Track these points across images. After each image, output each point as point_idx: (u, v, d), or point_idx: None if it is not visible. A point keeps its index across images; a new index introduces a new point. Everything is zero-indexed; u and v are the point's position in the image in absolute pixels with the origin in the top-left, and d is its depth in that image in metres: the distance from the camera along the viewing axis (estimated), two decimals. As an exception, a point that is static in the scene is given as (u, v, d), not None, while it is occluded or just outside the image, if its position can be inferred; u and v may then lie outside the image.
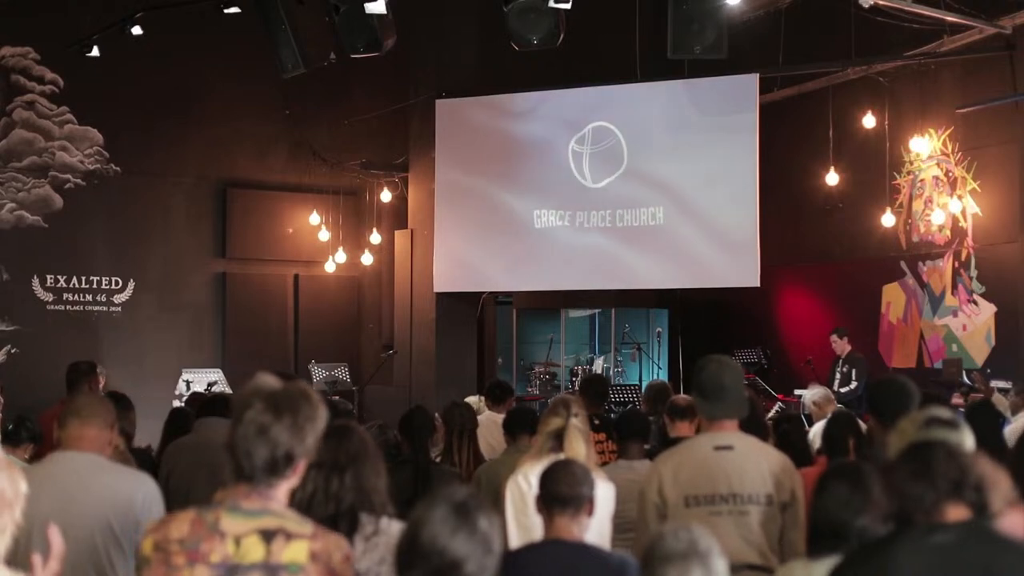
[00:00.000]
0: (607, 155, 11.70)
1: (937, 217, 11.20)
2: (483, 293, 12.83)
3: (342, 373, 12.56)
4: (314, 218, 13.50)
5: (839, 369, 10.75)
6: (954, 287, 11.17)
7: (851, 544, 2.95)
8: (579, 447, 4.24)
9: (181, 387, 11.25)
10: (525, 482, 4.27)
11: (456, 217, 12.41)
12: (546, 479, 3.47)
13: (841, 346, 10.86)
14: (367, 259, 13.80)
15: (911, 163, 11.62)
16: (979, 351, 10.82)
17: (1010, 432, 6.28)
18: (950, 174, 11.20)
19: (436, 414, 6.26)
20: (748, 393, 4.32)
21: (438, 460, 5.64)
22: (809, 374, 11.10)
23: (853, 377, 10.56)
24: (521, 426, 5.37)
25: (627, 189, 11.62)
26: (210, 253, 13.28)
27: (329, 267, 13.63)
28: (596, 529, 3.82)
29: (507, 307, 13.79)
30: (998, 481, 2.59)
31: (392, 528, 3.12)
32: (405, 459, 5.09)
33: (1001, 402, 7.95)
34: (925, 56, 10.57)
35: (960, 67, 10.94)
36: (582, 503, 3.41)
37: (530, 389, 13.05)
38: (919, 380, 5.05)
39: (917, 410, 3.42)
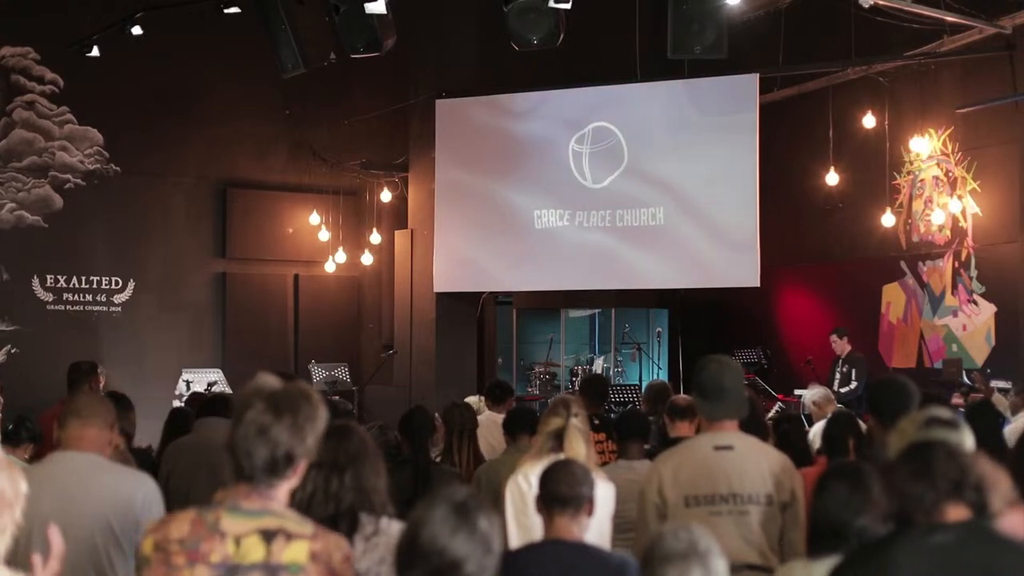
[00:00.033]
0: (607, 155, 11.70)
1: (937, 217, 11.20)
2: (483, 293, 12.83)
3: (342, 373, 12.56)
4: (314, 218, 13.50)
5: (839, 369, 10.75)
6: (954, 287, 11.17)
7: (851, 544, 2.95)
8: (579, 447, 4.24)
9: (181, 387, 11.26)
10: (525, 482, 4.27)
11: (456, 217, 12.41)
12: (546, 479, 3.47)
13: (841, 346, 10.86)
14: (367, 259, 13.80)
15: (911, 163, 11.62)
16: (979, 351, 10.82)
17: (1010, 432, 6.28)
18: (950, 174, 11.20)
19: (436, 414, 6.26)
20: (748, 393, 4.32)
21: (438, 460, 5.64)
22: (809, 374, 11.10)
23: (853, 377, 10.56)
24: (521, 426, 5.37)
25: (627, 189, 11.62)
26: (210, 253, 13.28)
27: (329, 267, 13.63)
28: (596, 529, 3.83)
29: (507, 307, 13.79)
30: (998, 481, 2.59)
31: (392, 528, 3.12)
32: (405, 459, 5.09)
33: (1001, 402, 7.95)
34: (925, 56, 10.57)
35: (960, 67, 10.94)
36: (582, 503, 3.41)
37: (530, 389, 13.05)
38: (919, 380, 5.05)
39: (917, 410, 3.42)
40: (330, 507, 3.15)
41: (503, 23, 8.43)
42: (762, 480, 3.81)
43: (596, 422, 6.08)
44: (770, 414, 8.89)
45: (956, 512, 2.46)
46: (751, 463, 3.84)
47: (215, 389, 10.62)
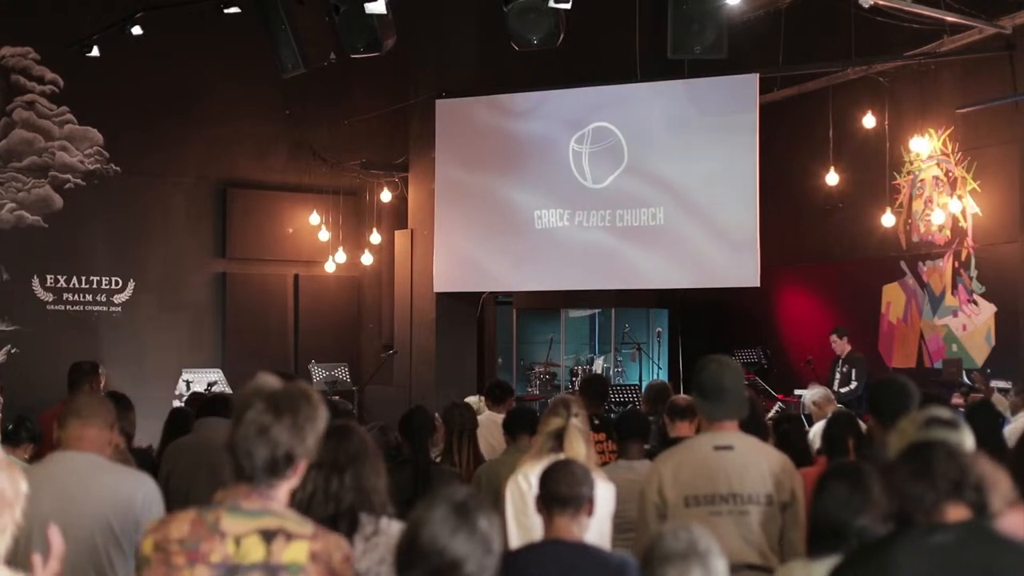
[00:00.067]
0: (607, 155, 11.70)
1: (937, 217, 11.20)
2: (483, 293, 12.83)
3: (342, 373, 12.56)
4: (314, 218, 13.50)
5: (839, 369, 10.75)
6: (954, 287, 11.17)
7: (851, 544, 2.95)
8: (579, 447, 4.24)
9: (181, 387, 11.26)
10: (525, 482, 4.27)
11: (456, 217, 12.41)
12: (546, 479, 3.47)
13: (841, 346, 10.86)
14: (367, 259, 13.80)
15: (911, 163, 11.62)
16: (979, 351, 10.82)
17: (1010, 432, 6.28)
18: (950, 174, 11.20)
19: (436, 414, 6.26)
20: (748, 393, 4.32)
21: (438, 460, 5.64)
22: (809, 374, 11.10)
23: (853, 377, 10.56)
24: (521, 426, 5.37)
25: (627, 189, 11.62)
26: (210, 253, 13.28)
27: (329, 267, 13.63)
28: (596, 529, 3.82)
29: (507, 307, 13.79)
30: (998, 481, 2.59)
31: (392, 528, 3.12)
32: (405, 459, 5.09)
33: (1001, 402, 7.95)
34: (925, 56, 10.57)
35: (960, 67, 10.94)
36: (582, 503, 3.41)
37: (530, 389, 13.05)
38: (919, 380, 5.05)
39: (917, 410, 3.42)
40: (330, 507, 3.15)
41: (503, 23, 8.43)
42: (762, 480, 3.81)
43: (596, 422, 6.08)
44: (770, 414, 8.89)
45: (956, 512, 2.46)
46: (751, 463, 3.84)
47: (215, 389, 10.62)
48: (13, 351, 11.95)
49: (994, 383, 9.31)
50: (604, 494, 3.98)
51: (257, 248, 13.48)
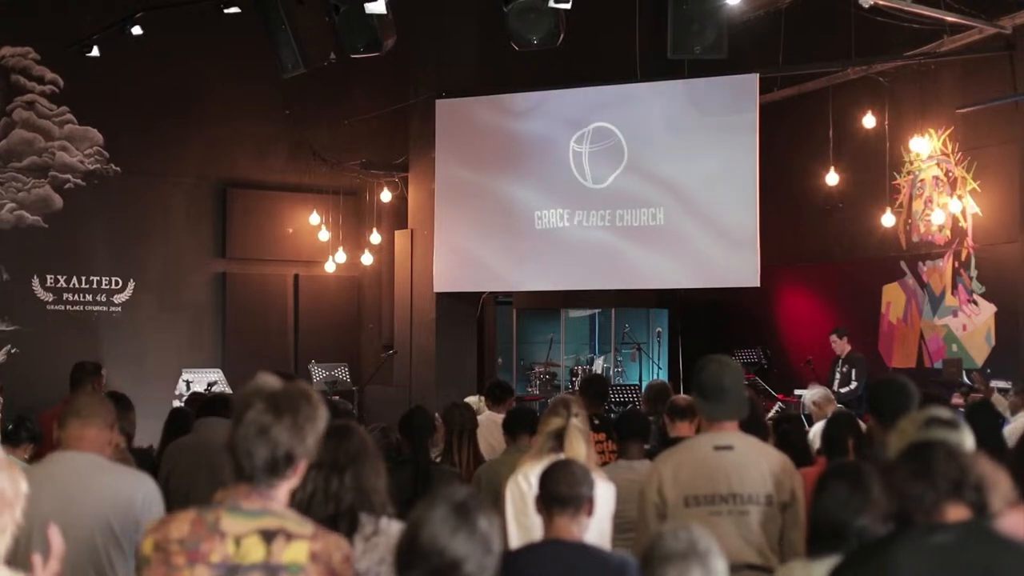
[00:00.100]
0: (607, 155, 11.70)
1: (937, 217, 11.20)
2: (483, 293, 12.83)
3: (342, 373, 12.56)
4: (314, 218, 13.50)
5: (839, 369, 10.75)
6: (954, 287, 11.17)
7: (851, 544, 2.95)
8: (579, 447, 4.24)
9: (181, 387, 11.25)
10: (525, 482, 4.27)
11: (456, 217, 12.41)
12: (546, 479, 3.47)
13: (841, 346, 10.86)
14: (367, 259, 13.80)
15: (911, 163, 11.62)
16: (979, 351, 10.82)
17: (1010, 432, 6.28)
18: (950, 174, 11.20)
19: (436, 414, 6.26)
20: (748, 393, 4.32)
21: (438, 460, 5.64)
22: (809, 374, 11.10)
23: (853, 377, 10.56)
24: (521, 426, 5.37)
25: (627, 189, 11.62)
26: (210, 253, 13.28)
27: (329, 267, 13.63)
28: (596, 529, 3.83)
29: (507, 307, 13.79)
30: (998, 481, 2.59)
31: (392, 528, 3.12)
32: (405, 459, 5.09)
33: (1001, 402, 7.96)
34: (925, 56, 10.57)
35: (960, 67, 10.94)
36: (582, 503, 3.41)
37: (530, 389, 13.05)
38: (919, 380, 5.06)
39: (917, 410, 3.42)
40: (330, 507, 3.15)
41: (503, 23, 8.43)
42: (762, 480, 3.81)
43: (596, 422, 6.08)
44: (770, 414, 8.89)
45: (956, 512, 2.46)
46: (751, 463, 3.84)
47: (215, 389, 10.61)
48: (13, 351, 11.95)
49: (994, 383, 9.31)
50: (604, 494, 3.98)
51: (257, 248, 13.48)
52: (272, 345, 13.34)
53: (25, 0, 11.85)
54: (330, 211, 13.64)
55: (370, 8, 8.29)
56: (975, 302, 10.92)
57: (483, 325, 13.39)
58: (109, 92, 12.16)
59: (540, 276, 12.25)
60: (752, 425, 4.24)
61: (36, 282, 12.22)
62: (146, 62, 11.88)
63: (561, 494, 3.40)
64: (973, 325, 10.94)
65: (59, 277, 12.33)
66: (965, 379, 10.11)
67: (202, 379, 11.43)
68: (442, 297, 12.60)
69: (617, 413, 8.93)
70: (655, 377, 12.66)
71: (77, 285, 12.42)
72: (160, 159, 12.74)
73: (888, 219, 11.31)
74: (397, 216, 13.66)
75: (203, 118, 12.85)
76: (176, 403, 9.73)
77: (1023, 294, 10.44)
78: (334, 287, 13.98)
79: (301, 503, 3.03)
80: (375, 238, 13.66)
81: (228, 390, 10.56)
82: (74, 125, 12.38)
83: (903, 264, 11.77)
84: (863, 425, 5.07)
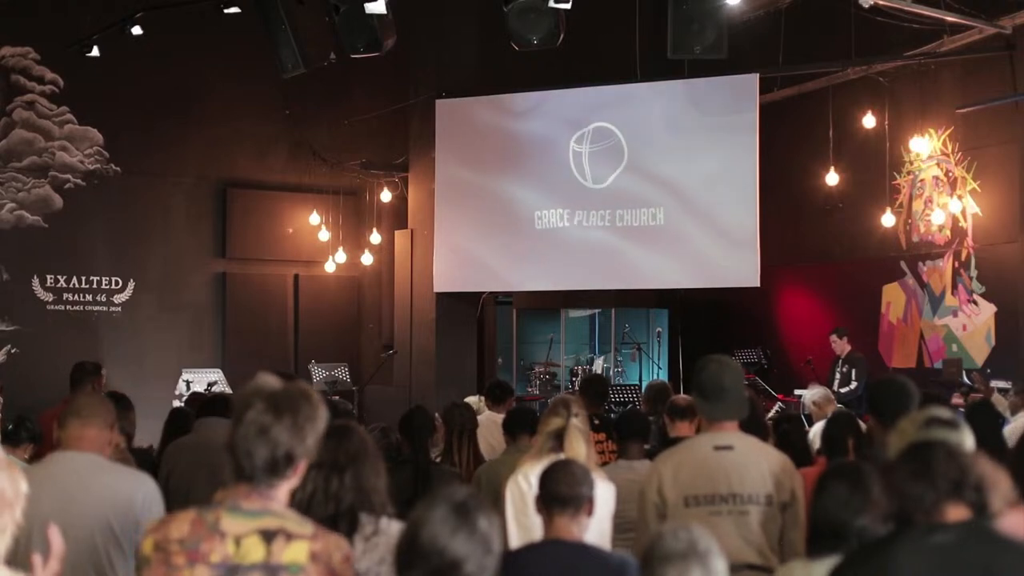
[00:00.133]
0: (607, 155, 11.70)
1: (937, 217, 11.20)
2: (483, 293, 12.83)
3: (342, 373, 12.56)
4: (314, 218, 13.50)
5: (839, 369, 10.75)
6: (954, 287, 11.17)
7: (851, 544, 2.95)
8: (579, 447, 4.24)
9: (181, 387, 11.25)
10: (525, 482, 4.27)
11: (456, 217, 12.41)
12: (546, 479, 3.47)
13: (841, 346, 10.85)
14: (367, 259, 13.80)
15: (911, 163, 11.62)
16: (979, 351, 10.82)
17: (1010, 432, 6.28)
18: (950, 174, 11.20)
19: (436, 414, 6.26)
20: (748, 393, 4.32)
21: (438, 460, 5.64)
22: (809, 374, 11.10)
23: (853, 377, 10.55)
24: (521, 426, 5.37)
25: (628, 189, 11.62)
26: (210, 253, 13.28)
27: (329, 267, 13.63)
28: (596, 529, 3.82)
29: (507, 307, 13.79)
30: (998, 481, 2.59)
31: (392, 528, 3.12)
32: (405, 459, 5.08)
33: (1001, 402, 7.96)
34: (925, 56, 10.57)
35: (960, 67, 10.94)
36: (582, 503, 3.41)
37: (530, 389, 13.05)
38: (919, 380, 5.06)
39: (917, 410, 3.42)
40: (330, 507, 3.15)
41: (503, 23, 8.43)
42: (762, 480, 3.81)
43: (596, 422, 6.08)
44: (770, 414, 8.89)
45: (956, 512, 2.46)
46: (751, 463, 3.84)
47: (215, 389, 10.61)
48: (13, 351, 11.95)
49: (994, 383, 9.31)
50: (604, 494, 3.98)
51: (257, 248, 13.49)
52: (272, 345, 13.34)
53: (25, 0, 11.85)
54: (330, 211, 13.64)
55: (370, 8, 8.29)
56: (975, 302, 10.92)
57: (483, 325, 13.39)
58: (109, 92, 12.16)
59: (540, 276, 12.25)
60: (752, 425, 4.24)
61: (36, 282, 12.22)
62: (146, 62, 11.88)
63: (561, 494, 3.40)
64: (973, 325, 10.94)
65: (59, 277, 12.33)
66: (965, 379, 10.11)
67: (202, 379, 11.43)
68: (442, 297, 12.60)
69: (617, 413, 8.93)
70: (655, 377, 12.66)
71: (77, 285, 12.42)
72: (160, 159, 12.74)
73: (888, 219, 11.31)
74: (397, 216, 13.66)
75: (203, 118, 12.86)
76: (176, 403, 9.73)
77: (1023, 294, 10.44)
78: (334, 287, 13.98)
79: (301, 503, 3.03)
80: (375, 238, 13.67)
81: (228, 390, 10.56)
82: (74, 125, 12.38)
83: (903, 264, 11.77)
84: (863, 425, 5.07)
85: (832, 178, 11.48)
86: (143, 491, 3.68)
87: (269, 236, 13.54)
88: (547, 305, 13.67)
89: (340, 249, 13.61)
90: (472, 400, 8.01)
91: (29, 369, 11.43)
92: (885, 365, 11.71)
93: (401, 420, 5.30)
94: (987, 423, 4.79)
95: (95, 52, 10.74)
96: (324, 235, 13.52)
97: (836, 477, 3.14)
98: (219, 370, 12.08)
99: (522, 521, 4.23)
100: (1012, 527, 2.57)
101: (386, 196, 13.65)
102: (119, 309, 12.64)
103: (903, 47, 10.61)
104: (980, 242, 10.90)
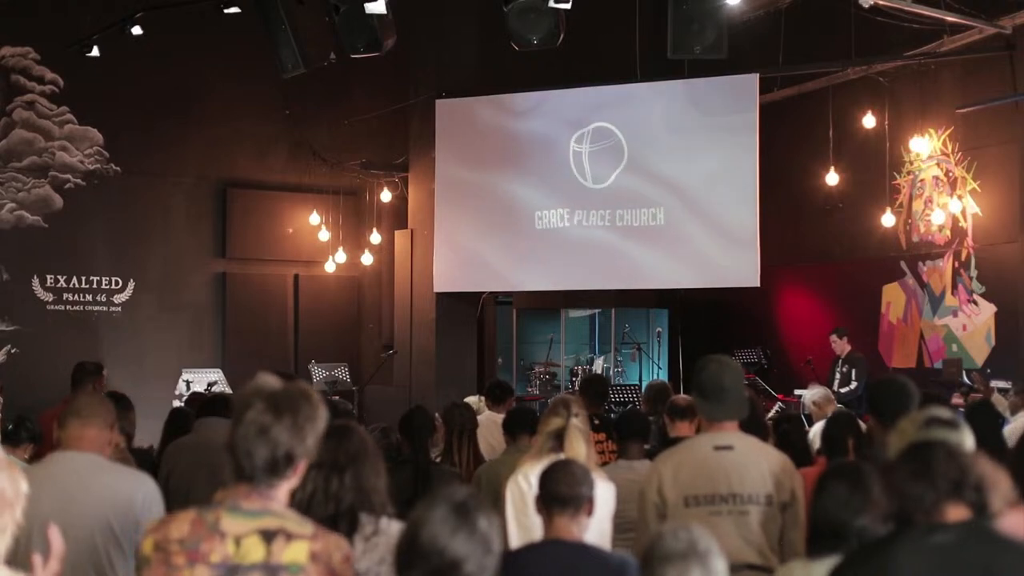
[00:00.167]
0: (607, 155, 11.70)
1: (937, 217, 11.20)
2: (483, 293, 12.83)
3: (342, 373, 12.56)
4: (314, 218, 13.50)
5: (839, 369, 10.75)
6: (954, 287, 11.17)
7: (851, 544, 2.95)
8: (579, 447, 4.24)
9: (181, 387, 11.26)
10: (525, 482, 4.26)
11: (456, 217, 12.41)
12: (546, 479, 3.47)
13: (841, 346, 10.86)
14: (367, 259, 13.80)
15: (911, 163, 11.62)
16: (979, 351, 10.82)
17: (1010, 432, 6.28)
18: (950, 174, 11.20)
19: (436, 414, 6.26)
20: (748, 393, 4.32)
21: (438, 460, 5.64)
22: (809, 374, 11.10)
23: (853, 377, 10.56)
24: (521, 426, 5.37)
25: (628, 189, 11.62)
26: (210, 253, 13.28)
27: (329, 267, 13.63)
28: (596, 529, 3.82)
29: (507, 307, 13.80)
30: (998, 481, 2.59)
31: (392, 528, 3.12)
32: (405, 459, 5.08)
33: (1001, 402, 7.96)
34: (925, 56, 10.57)
35: (960, 67, 10.94)
36: (582, 503, 3.41)
37: (530, 389, 13.05)
38: (919, 380, 5.05)
39: (917, 410, 3.42)
40: (330, 507, 3.15)
41: (503, 23, 8.43)
42: (762, 480, 3.81)
43: (596, 422, 6.08)
44: (770, 414, 8.89)
45: (956, 512, 2.46)
46: (751, 463, 3.84)
47: (215, 389, 10.61)
48: (13, 351, 11.95)
49: (994, 383, 9.31)
50: (604, 494, 3.98)
51: (257, 248, 13.49)
52: (272, 345, 13.34)
53: (25, 0, 11.85)
54: (330, 211, 13.64)
55: (370, 8, 8.29)
56: (975, 302, 10.92)
57: (483, 325, 13.39)
58: (109, 92, 12.16)
59: (540, 276, 12.25)
60: (752, 425, 4.24)
61: (36, 282, 12.22)
62: (146, 62, 11.88)
63: (561, 494, 3.40)
64: (973, 325, 10.95)
65: (59, 277, 12.33)
66: (965, 379, 10.11)
67: (202, 379, 11.43)
68: (442, 297, 12.60)
69: (617, 413, 8.93)
70: (655, 377, 12.66)
71: (77, 285, 12.42)
72: (160, 159, 12.75)
73: (888, 219, 11.31)
74: (397, 216, 13.66)
75: (203, 118, 12.86)
76: (176, 403, 9.73)
77: (1023, 294, 10.44)
78: (334, 287, 13.98)
79: (301, 503, 3.03)
80: (375, 238, 13.67)
81: (228, 390, 10.56)
82: (74, 125, 12.38)
83: (903, 264, 11.77)
84: (863, 425, 5.07)
85: (832, 178, 11.49)
86: (143, 491, 3.68)
87: (269, 236, 13.54)
88: (547, 305, 13.67)
89: (340, 249, 13.61)
90: (472, 400, 8.01)
91: (29, 369, 11.43)
92: (885, 365, 11.71)
93: (401, 420, 5.30)
94: (987, 423, 4.79)
95: (95, 52, 10.74)
96: (324, 235, 13.52)
97: (836, 477, 3.14)
98: (219, 370, 12.08)
99: (522, 521, 4.23)
100: (1012, 527, 2.57)
101: (386, 196, 13.65)
102: (119, 309, 12.64)
103: (903, 47, 10.61)
104: (980, 242, 10.90)
